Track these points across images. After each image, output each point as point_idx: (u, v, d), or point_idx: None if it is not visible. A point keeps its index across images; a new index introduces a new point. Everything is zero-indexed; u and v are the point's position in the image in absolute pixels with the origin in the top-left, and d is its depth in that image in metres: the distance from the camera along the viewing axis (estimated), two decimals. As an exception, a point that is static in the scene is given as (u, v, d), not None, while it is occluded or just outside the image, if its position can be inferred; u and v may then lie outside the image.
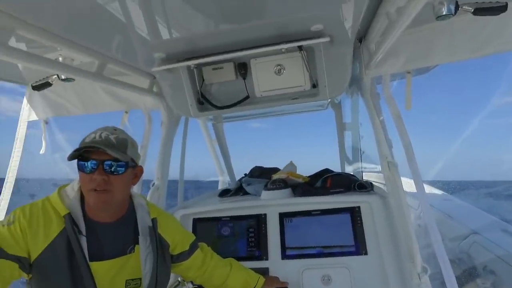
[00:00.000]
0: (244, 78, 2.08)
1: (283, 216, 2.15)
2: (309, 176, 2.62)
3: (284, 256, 2.04)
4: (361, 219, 2.01)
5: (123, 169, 1.27)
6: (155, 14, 1.35)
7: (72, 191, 1.32)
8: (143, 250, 1.36)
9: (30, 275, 1.20)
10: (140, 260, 1.35)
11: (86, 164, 1.23)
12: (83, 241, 1.24)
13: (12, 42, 1.25)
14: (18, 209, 1.24)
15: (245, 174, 3.19)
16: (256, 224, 2.19)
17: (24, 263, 1.15)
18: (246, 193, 2.73)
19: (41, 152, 2.28)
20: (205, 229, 2.26)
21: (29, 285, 1.24)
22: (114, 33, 1.48)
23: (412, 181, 1.80)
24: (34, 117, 2.32)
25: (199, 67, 2.00)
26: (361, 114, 3.26)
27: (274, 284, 1.81)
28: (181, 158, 2.49)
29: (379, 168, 2.22)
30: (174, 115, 2.42)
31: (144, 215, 1.44)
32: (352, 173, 3.37)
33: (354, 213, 2.04)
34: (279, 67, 2.04)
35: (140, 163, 1.44)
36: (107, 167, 1.23)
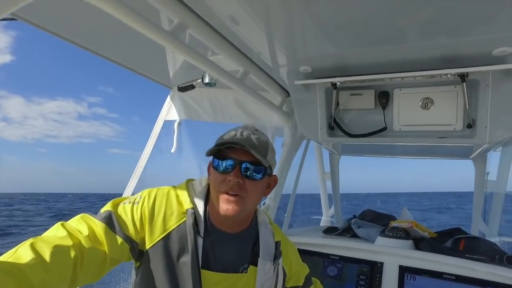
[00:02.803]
0: (383, 108, 1.91)
1: (404, 271, 1.83)
2: (436, 232, 2.24)
3: (399, 319, 1.71)
4: None
5: (260, 175, 1.11)
6: (305, 29, 1.31)
7: (199, 186, 1.22)
8: (260, 275, 1.19)
9: (139, 263, 1.13)
10: (255, 286, 1.19)
11: (222, 163, 1.09)
12: (200, 242, 1.11)
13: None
14: (146, 191, 1.17)
15: (354, 216, 2.94)
16: (369, 271, 1.91)
17: (134, 248, 1.08)
18: (354, 235, 2.47)
19: (172, 151, 2.43)
20: (309, 263, 2.05)
21: (136, 272, 1.16)
22: (262, 40, 1.48)
23: None
24: (170, 117, 2.50)
25: (337, 89, 1.91)
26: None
27: None
28: (295, 183, 2.40)
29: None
30: (297, 138, 2.35)
31: (267, 235, 1.27)
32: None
33: None
34: (427, 100, 1.83)
35: None
36: (244, 170, 1.08)
